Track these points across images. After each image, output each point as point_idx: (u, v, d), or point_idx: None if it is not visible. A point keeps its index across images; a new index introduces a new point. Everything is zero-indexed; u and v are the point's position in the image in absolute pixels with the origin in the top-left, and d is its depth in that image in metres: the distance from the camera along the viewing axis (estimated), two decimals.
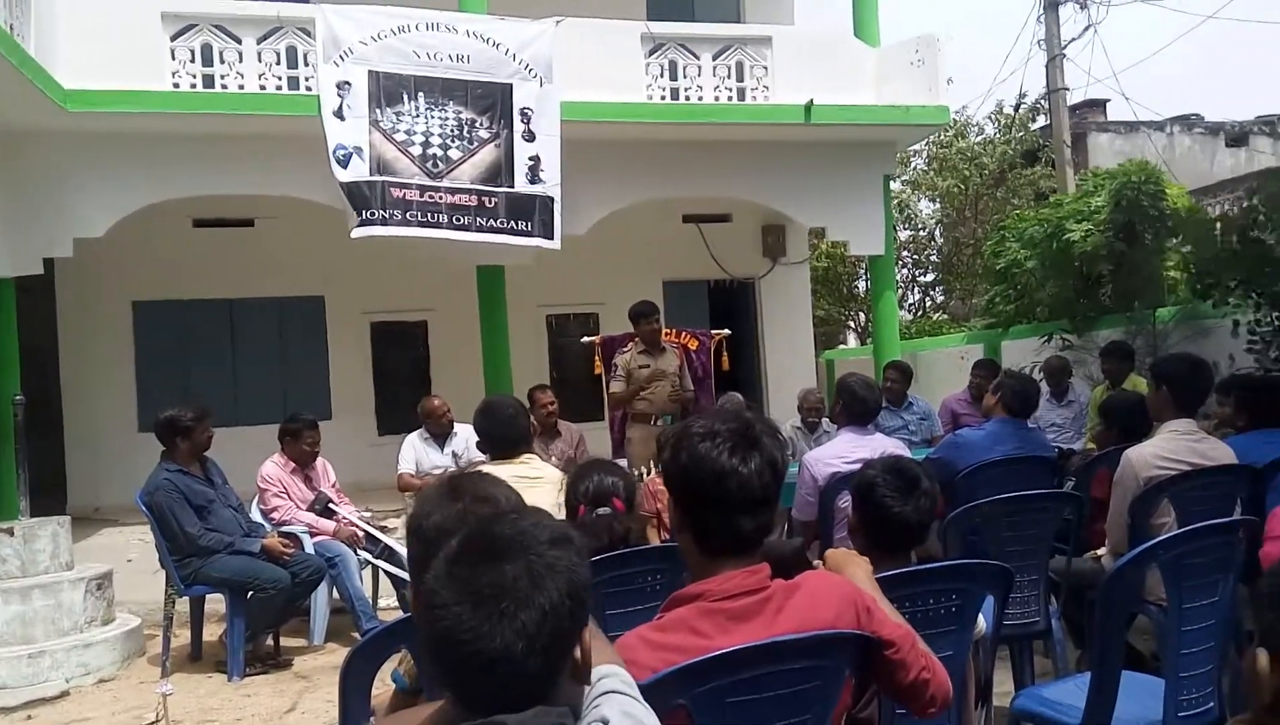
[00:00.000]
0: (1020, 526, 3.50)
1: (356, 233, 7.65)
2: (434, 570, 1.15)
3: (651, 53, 9.11)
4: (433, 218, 7.87)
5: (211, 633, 5.52)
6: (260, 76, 8.20)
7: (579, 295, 11.46)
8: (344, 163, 7.65)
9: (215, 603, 5.44)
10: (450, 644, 1.10)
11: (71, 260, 8.23)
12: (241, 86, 8.14)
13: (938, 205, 18.46)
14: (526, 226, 8.14)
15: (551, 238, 8.23)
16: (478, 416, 3.91)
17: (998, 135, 17.92)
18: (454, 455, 6.25)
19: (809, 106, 9.00)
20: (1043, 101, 16.77)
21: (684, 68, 9.19)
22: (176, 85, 8.01)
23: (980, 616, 2.29)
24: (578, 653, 1.18)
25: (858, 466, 2.63)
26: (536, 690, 1.12)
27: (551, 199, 8.19)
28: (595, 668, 1.23)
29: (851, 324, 19.24)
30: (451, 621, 1.10)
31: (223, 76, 8.13)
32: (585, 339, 8.40)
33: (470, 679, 1.11)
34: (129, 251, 9.59)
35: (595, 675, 1.22)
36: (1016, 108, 17.75)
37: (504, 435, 3.81)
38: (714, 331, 8.58)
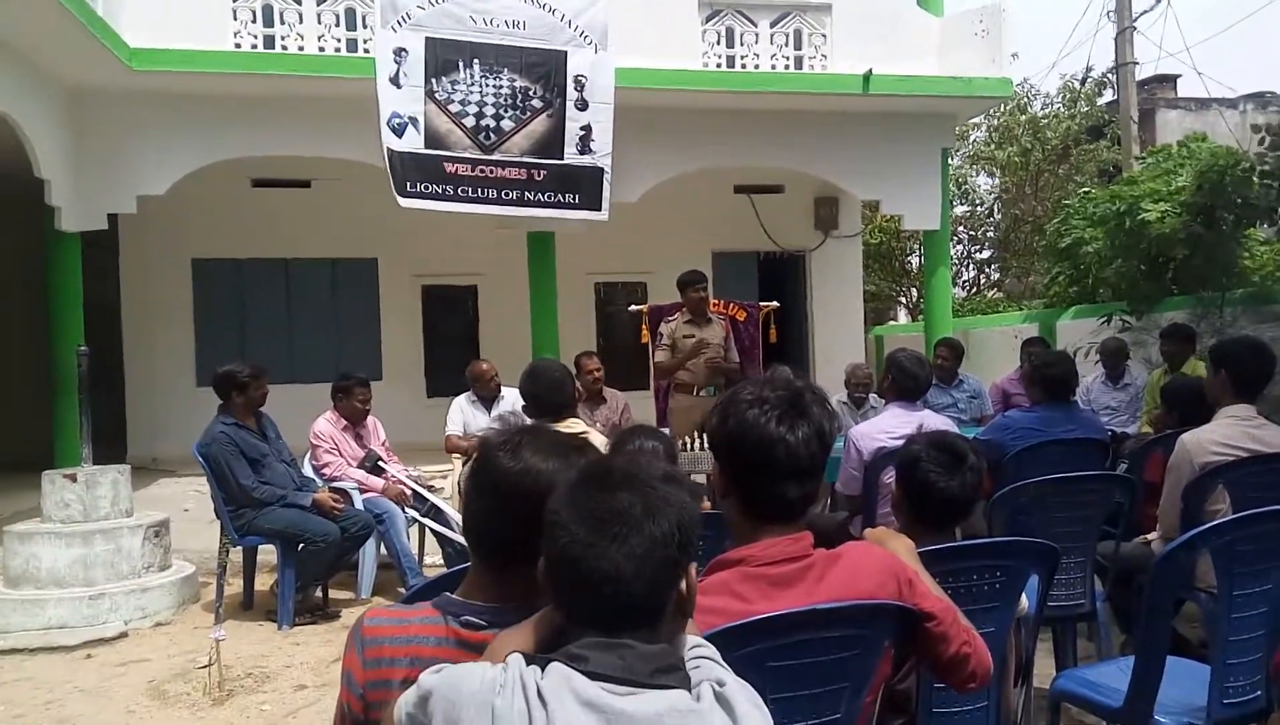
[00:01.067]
0: (1069, 507, 3.46)
1: (406, 202, 7.77)
2: (558, 495, 1.26)
3: (708, 19, 9.02)
4: (482, 192, 7.98)
5: (263, 583, 5.69)
6: (320, 38, 8.29)
7: (628, 264, 11.47)
8: (399, 132, 7.74)
9: (267, 553, 5.59)
10: (566, 562, 1.20)
11: (134, 217, 8.44)
12: (301, 48, 8.24)
13: (997, 180, 18.07)
14: (573, 199, 8.19)
15: (599, 209, 8.26)
16: (524, 379, 3.94)
17: (1063, 109, 17.46)
18: (500, 418, 6.31)
19: (867, 76, 8.85)
20: (1110, 75, 16.29)
21: (740, 35, 9.09)
22: (238, 45, 8.12)
23: (1024, 596, 2.27)
24: (683, 586, 1.23)
25: (904, 442, 2.62)
26: (642, 615, 1.19)
27: (601, 170, 8.20)
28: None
29: (903, 300, 18.98)
30: (568, 540, 1.20)
31: (283, 37, 8.23)
32: (633, 307, 8.41)
33: (581, 596, 1.20)
34: (189, 209, 9.81)
35: (689, 643, 1.27)
36: (1083, 81, 17.27)
37: (549, 399, 3.83)
38: (762, 303, 8.54)
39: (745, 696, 1.20)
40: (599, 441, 3.81)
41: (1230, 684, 2.52)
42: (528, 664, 1.16)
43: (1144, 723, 2.52)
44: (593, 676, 1.14)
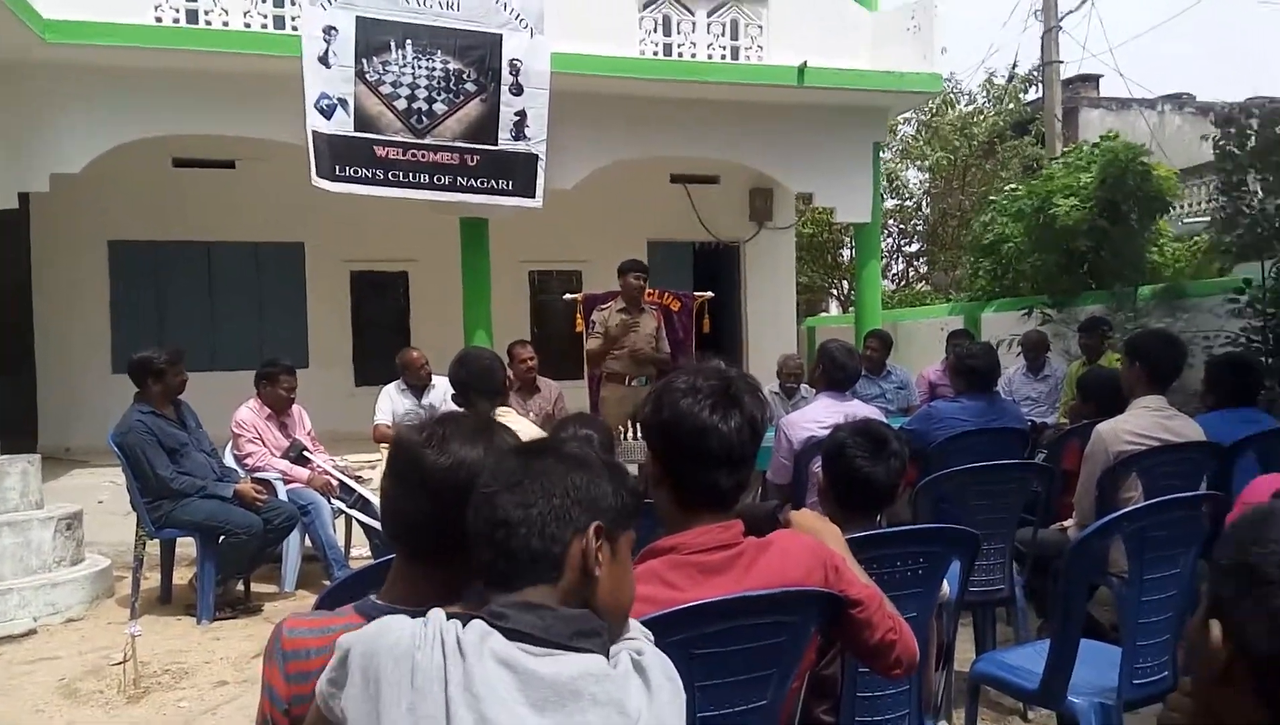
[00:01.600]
0: (990, 495, 3.55)
1: (327, 185, 7.64)
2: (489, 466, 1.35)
3: (645, 6, 9.00)
4: (413, 177, 7.88)
5: (181, 576, 5.54)
6: (245, 14, 8.05)
7: (563, 252, 11.42)
8: (328, 113, 7.57)
9: (186, 546, 5.45)
10: (472, 514, 1.28)
11: (47, 196, 8.10)
12: (226, 24, 8.00)
13: (926, 175, 18.44)
14: (507, 185, 8.14)
15: (533, 196, 8.21)
16: (454, 367, 3.91)
17: (989, 105, 17.87)
18: (430, 408, 6.26)
19: (802, 69, 8.94)
20: (1036, 73, 16.73)
21: (678, 23, 9.09)
22: (159, 19, 7.85)
23: (945, 582, 2.33)
24: (581, 544, 1.25)
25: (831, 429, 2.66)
26: (530, 566, 1.23)
27: (536, 156, 8.15)
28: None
29: (834, 292, 19.27)
30: (478, 493, 1.28)
31: (206, 12, 7.98)
32: (567, 296, 8.38)
33: (479, 546, 1.26)
34: (106, 189, 9.46)
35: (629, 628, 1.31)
36: (1010, 79, 17.70)
37: (479, 386, 3.80)
38: (697, 293, 8.58)
39: (660, 667, 1.22)
40: (531, 431, 3.80)
41: (1140, 665, 2.63)
42: (448, 619, 1.18)
43: (1058, 703, 2.61)
44: (511, 634, 1.16)
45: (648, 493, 1.89)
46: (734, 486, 1.75)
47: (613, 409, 6.35)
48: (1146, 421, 3.63)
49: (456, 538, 1.31)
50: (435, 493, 1.41)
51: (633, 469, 4.90)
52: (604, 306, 6.79)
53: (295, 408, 5.87)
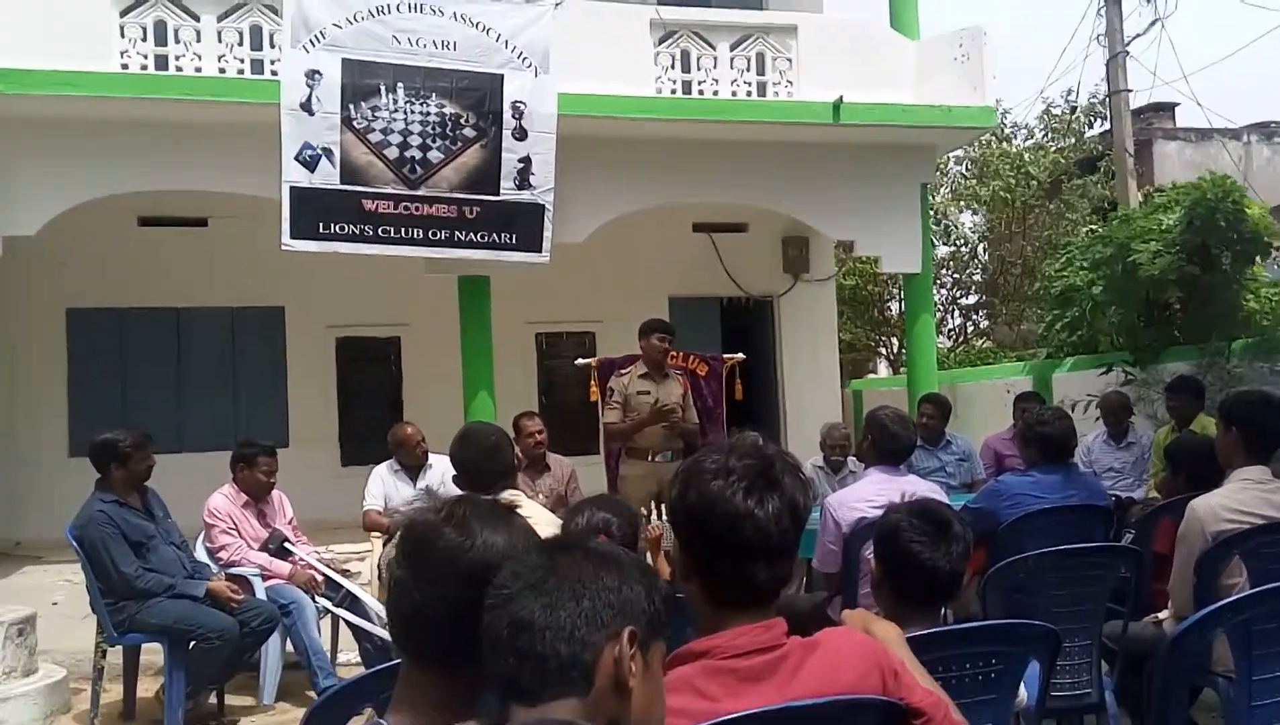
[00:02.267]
0: (1070, 584, 3.51)
1: (305, 246, 7.78)
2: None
3: (662, 41, 9.21)
4: (406, 232, 8.00)
5: (147, 688, 5.51)
6: (220, 59, 8.29)
7: (574, 312, 11.52)
8: (310, 165, 7.73)
9: (152, 653, 5.42)
10: (488, 620, 1.28)
11: (0, 261, 8.27)
12: (199, 69, 8.22)
13: (980, 217, 18.54)
14: (510, 239, 8.25)
15: (539, 250, 8.32)
16: (455, 446, 3.93)
17: (1049, 140, 18.02)
18: (428, 491, 6.26)
19: (838, 104, 9.08)
20: (1100, 104, 16.89)
21: (698, 58, 9.28)
22: (125, 66, 8.09)
23: (1022, 686, 2.30)
24: (615, 652, 1.25)
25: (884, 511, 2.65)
26: (558, 676, 1.24)
27: (542, 206, 8.27)
28: None
29: (883, 351, 19.27)
30: (493, 596, 1.29)
31: (178, 57, 8.21)
32: (580, 361, 8.41)
33: (499, 655, 1.27)
34: (66, 252, 9.65)
35: None
36: (1073, 110, 17.87)
37: (484, 468, 3.82)
38: (726, 356, 8.60)
39: None
40: (545, 517, 3.80)
41: None
42: None
43: None
44: None
45: (675, 585, 1.89)
46: (774, 580, 1.75)
47: (633, 488, 6.34)
48: (1248, 496, 3.59)
49: (475, 638, 1.32)
50: (456, 580, 1.42)
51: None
52: (623, 372, 6.83)
53: (275, 493, 5.88)
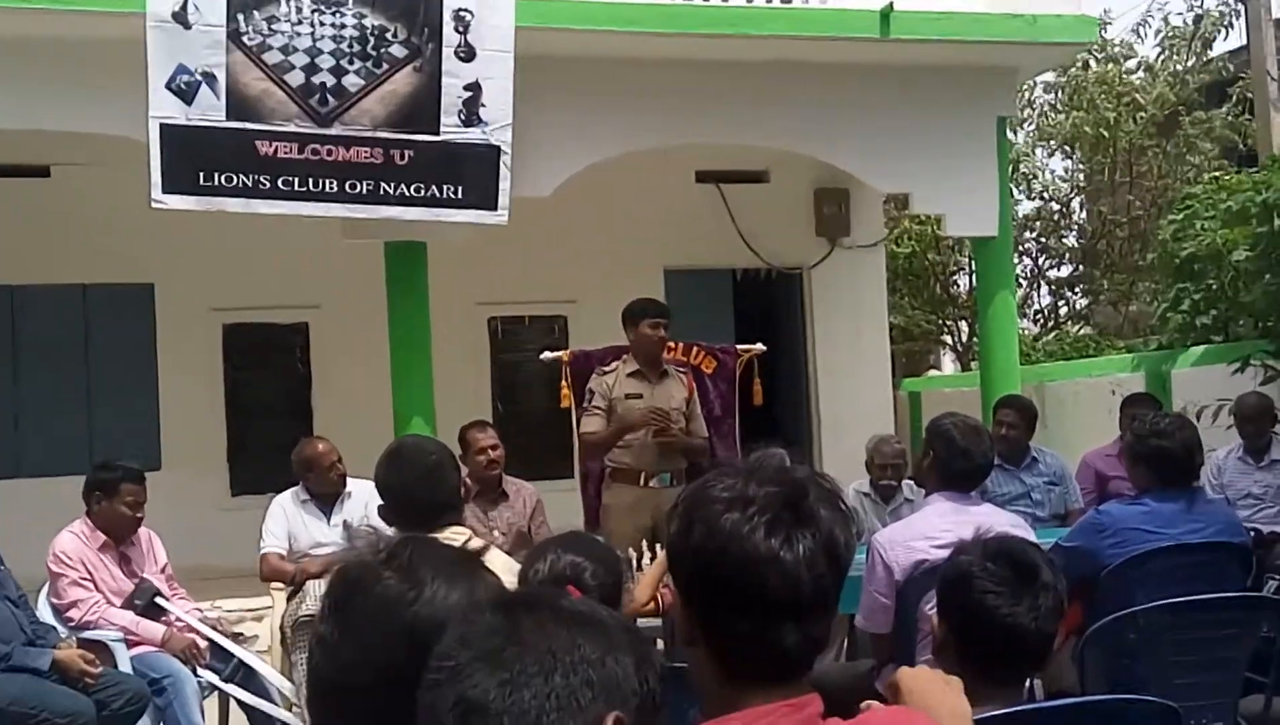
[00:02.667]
0: (1195, 647, 3.52)
1: (180, 203, 7.73)
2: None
3: None
4: (316, 185, 7.95)
5: None
6: None
7: (540, 290, 11.50)
8: (187, 95, 7.68)
9: None
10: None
11: None
12: None
13: (1075, 163, 18.55)
14: (455, 192, 8.21)
15: (493, 207, 8.29)
16: (382, 467, 3.93)
17: (1164, 61, 18.03)
18: (346, 527, 6.25)
19: (887, 13, 9.07)
20: (1234, 12, 16.90)
21: None
22: None
23: None
24: None
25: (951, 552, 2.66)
26: None
27: (496, 149, 8.24)
28: None
29: (947, 339, 19.30)
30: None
31: None
32: (547, 355, 8.41)
33: None
34: None
35: None
36: (1196, 20, 17.90)
37: (422, 496, 3.82)
38: (741, 348, 8.61)
39: None
40: (497, 561, 3.80)
41: None
42: None
43: None
44: None
45: (673, 650, 1.88)
46: (806, 644, 1.75)
47: (620, 523, 6.36)
48: None
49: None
50: (396, 641, 1.42)
51: None
52: (607, 370, 6.83)
53: (144, 532, 5.88)
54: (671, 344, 7.47)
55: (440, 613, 1.42)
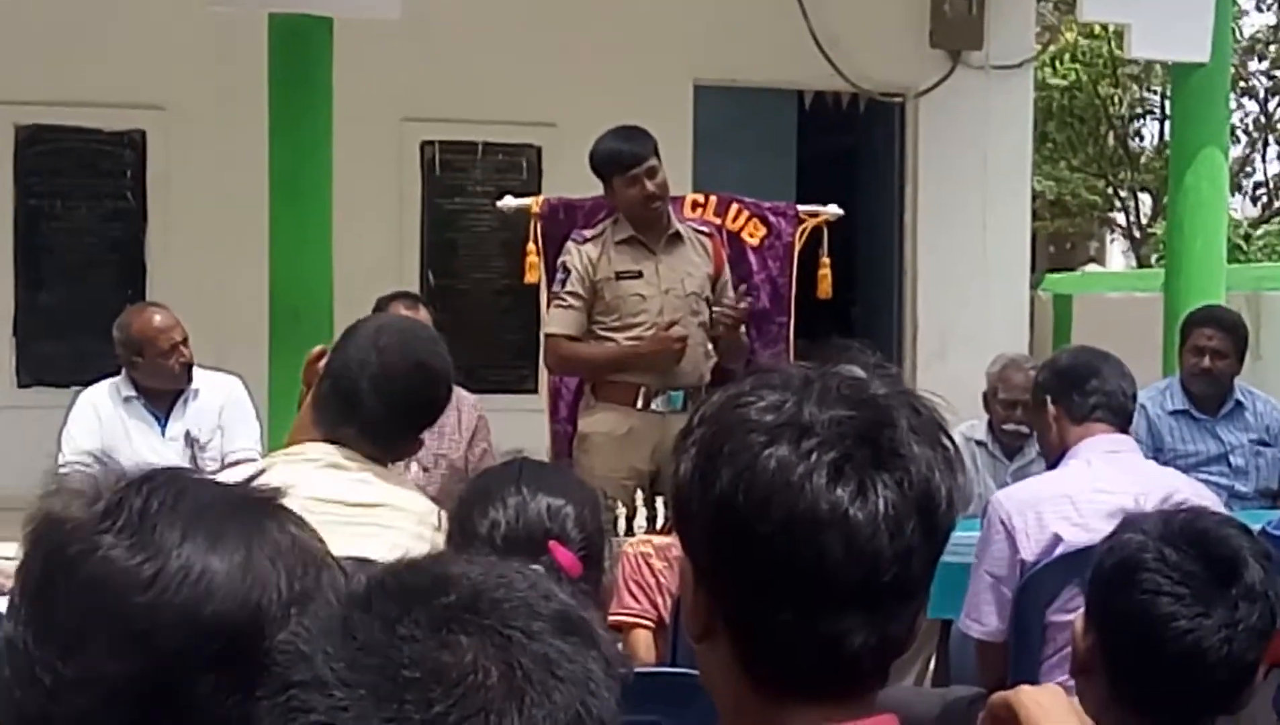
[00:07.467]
0: None
1: None
2: (310, 629, 1.25)
3: None
4: None
5: None
6: None
7: (502, 104, 11.47)
8: None
9: None
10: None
11: None
12: None
13: None
14: None
15: None
16: (366, 344, 3.88)
17: None
18: (189, 440, 6.31)
19: None
20: None
21: None
22: None
23: None
24: None
25: (1112, 527, 2.67)
26: None
27: None
28: None
29: (1120, 218, 19.32)
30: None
31: None
32: (509, 202, 8.40)
33: None
34: None
35: None
36: None
37: (416, 402, 3.90)
38: (804, 210, 8.60)
39: None
40: (414, 504, 3.79)
41: None
42: None
43: None
44: None
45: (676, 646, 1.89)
46: (879, 645, 1.74)
47: (605, 461, 6.39)
48: None
49: None
50: (128, 648, 1.39)
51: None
52: (588, 235, 6.79)
53: None
54: (698, 198, 7.45)
55: (196, 599, 1.36)
